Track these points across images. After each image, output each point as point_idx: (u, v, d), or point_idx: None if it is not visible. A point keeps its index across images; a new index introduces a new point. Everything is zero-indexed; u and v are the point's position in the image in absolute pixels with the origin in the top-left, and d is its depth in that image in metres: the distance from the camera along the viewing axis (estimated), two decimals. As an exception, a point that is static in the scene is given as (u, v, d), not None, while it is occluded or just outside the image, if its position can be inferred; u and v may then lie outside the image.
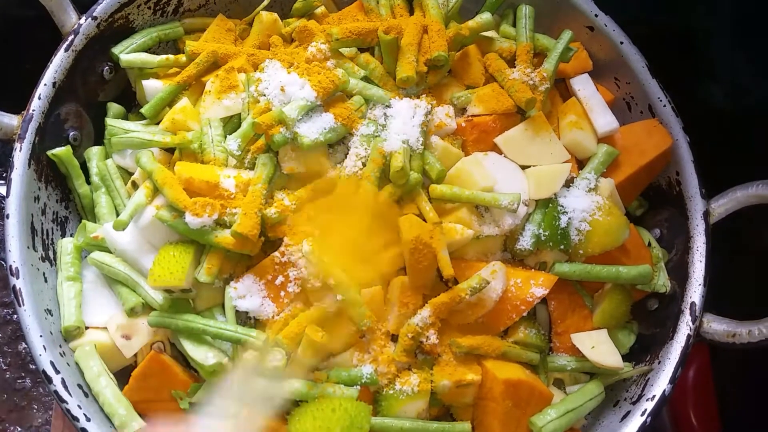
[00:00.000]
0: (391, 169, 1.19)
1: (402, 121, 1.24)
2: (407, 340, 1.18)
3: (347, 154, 1.24)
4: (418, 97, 1.29)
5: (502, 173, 1.27)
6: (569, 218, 1.26)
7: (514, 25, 1.43)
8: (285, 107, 1.19)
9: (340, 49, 1.32)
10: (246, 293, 1.18)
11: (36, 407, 1.56)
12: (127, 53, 1.35)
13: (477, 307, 1.22)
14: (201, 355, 1.14)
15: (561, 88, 1.43)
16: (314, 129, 1.20)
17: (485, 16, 1.35)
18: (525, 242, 1.26)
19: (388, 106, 1.28)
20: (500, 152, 1.30)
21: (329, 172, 1.23)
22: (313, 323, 1.16)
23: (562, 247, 1.26)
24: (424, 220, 1.21)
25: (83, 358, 1.18)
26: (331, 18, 1.41)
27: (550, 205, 1.28)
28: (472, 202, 1.23)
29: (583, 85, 1.38)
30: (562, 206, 1.27)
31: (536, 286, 1.23)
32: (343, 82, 1.25)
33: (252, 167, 1.24)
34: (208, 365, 1.13)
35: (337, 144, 1.26)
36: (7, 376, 1.57)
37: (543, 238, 1.26)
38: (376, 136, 1.23)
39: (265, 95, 1.24)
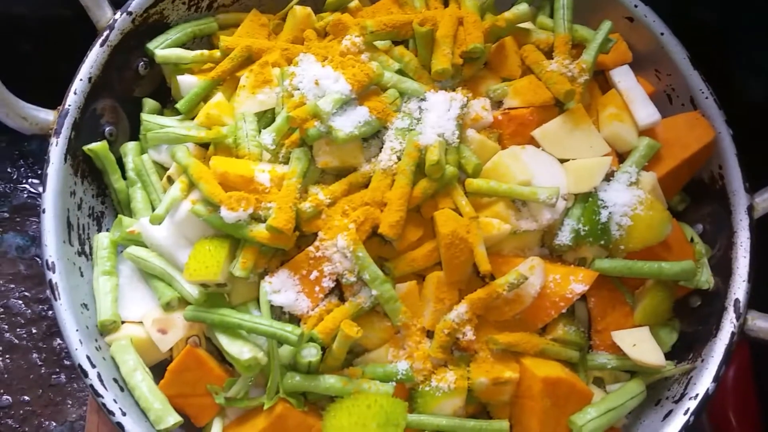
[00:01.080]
0: (427, 162, 1.18)
1: (437, 114, 1.23)
2: (443, 337, 1.17)
3: (382, 147, 1.23)
4: (454, 90, 1.28)
5: (540, 167, 1.25)
6: (610, 213, 1.24)
7: (551, 16, 1.41)
8: (319, 101, 1.19)
9: (375, 43, 1.31)
10: (281, 288, 1.17)
11: (71, 402, 1.57)
12: (162, 48, 1.35)
13: (514, 303, 1.20)
14: (236, 349, 1.14)
15: (600, 80, 1.40)
16: (349, 122, 1.19)
17: (522, 7, 1.33)
18: (564, 237, 1.24)
19: (423, 99, 1.26)
20: (538, 146, 1.28)
21: (364, 166, 1.22)
22: (348, 318, 1.15)
23: (602, 242, 1.24)
24: (460, 214, 1.20)
25: (119, 353, 1.19)
26: (364, 11, 1.40)
27: (590, 199, 1.25)
28: (509, 196, 1.21)
29: (623, 77, 1.36)
30: (603, 200, 1.25)
31: (576, 282, 1.21)
32: (377, 75, 1.24)
33: (286, 161, 1.23)
34: (244, 360, 1.13)
35: (371, 138, 1.25)
36: (42, 371, 1.59)
37: (582, 233, 1.24)
38: (411, 130, 1.22)
39: (299, 89, 1.23)
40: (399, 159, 1.20)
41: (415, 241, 1.20)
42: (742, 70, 1.68)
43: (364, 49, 1.29)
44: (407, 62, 1.30)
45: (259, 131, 1.26)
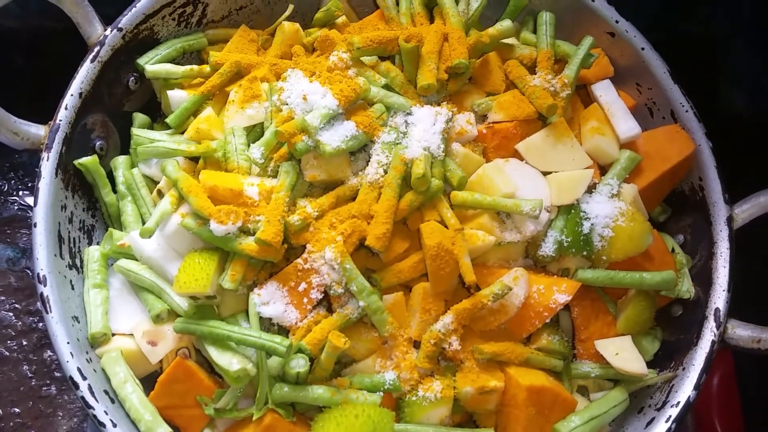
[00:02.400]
0: (413, 176, 1.20)
1: (423, 128, 1.25)
2: (430, 347, 1.18)
3: (369, 161, 1.25)
4: (439, 105, 1.30)
5: (524, 179, 1.27)
6: (592, 224, 1.26)
7: (534, 32, 1.43)
8: (307, 116, 1.20)
9: (361, 58, 1.33)
10: (269, 300, 1.18)
11: (61, 414, 1.58)
12: (152, 64, 1.37)
13: (499, 313, 1.22)
14: (225, 361, 1.15)
15: (582, 94, 1.42)
16: (336, 137, 1.21)
17: (505, 24, 1.35)
18: (547, 248, 1.26)
19: (409, 114, 1.28)
20: (521, 159, 1.30)
21: (351, 180, 1.24)
22: (336, 329, 1.17)
23: (584, 253, 1.26)
24: (446, 226, 1.21)
25: (109, 365, 1.20)
26: (351, 27, 1.42)
27: (573, 211, 1.27)
28: (493, 208, 1.23)
29: (604, 91, 1.38)
30: (585, 212, 1.27)
31: (559, 293, 1.23)
32: (364, 90, 1.26)
33: (275, 175, 1.25)
34: (233, 371, 1.14)
35: (358, 152, 1.27)
36: (33, 383, 1.59)
37: (565, 244, 1.26)
38: (398, 144, 1.24)
39: (287, 104, 1.25)
40: (385, 172, 1.22)
41: (402, 253, 1.22)
42: (725, 82, 1.70)
43: (351, 65, 1.31)
44: (393, 77, 1.32)
45: (248, 145, 1.28)
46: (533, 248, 1.28)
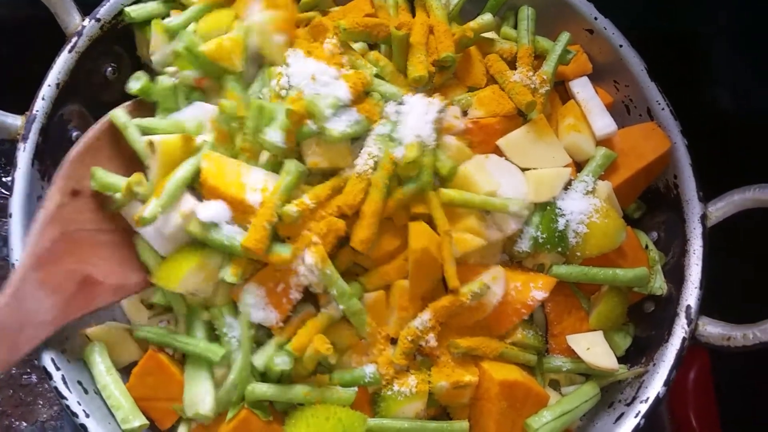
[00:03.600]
0: (404, 160, 1.16)
1: (416, 116, 1.22)
2: (407, 344, 1.18)
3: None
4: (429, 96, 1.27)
5: (504, 176, 1.27)
6: (567, 221, 1.26)
7: (515, 27, 1.43)
8: (320, 102, 1.17)
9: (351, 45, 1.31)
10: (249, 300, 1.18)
11: (41, 403, 1.58)
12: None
13: (477, 311, 1.22)
14: (188, 400, 1.18)
15: (560, 90, 1.43)
16: (341, 122, 1.19)
17: (487, 17, 1.34)
18: (523, 244, 1.27)
19: (401, 104, 1.25)
20: (501, 154, 1.30)
21: (348, 170, 1.21)
22: (320, 331, 1.16)
23: (559, 249, 1.26)
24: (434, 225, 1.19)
25: (90, 354, 1.20)
26: (336, 12, 1.37)
27: (548, 207, 1.28)
28: (483, 207, 1.22)
29: (581, 88, 1.39)
30: (560, 209, 1.27)
31: (536, 290, 1.23)
32: (369, 82, 1.24)
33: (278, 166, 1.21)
34: (185, 417, 1.19)
35: (354, 141, 1.23)
36: (13, 372, 1.59)
37: (541, 240, 1.26)
38: (391, 137, 1.21)
39: (286, 89, 1.22)
40: (375, 164, 1.19)
41: (392, 250, 1.20)
42: (704, 80, 1.71)
43: (342, 51, 1.28)
44: (383, 67, 1.30)
45: (261, 129, 1.20)
46: (509, 244, 1.29)
